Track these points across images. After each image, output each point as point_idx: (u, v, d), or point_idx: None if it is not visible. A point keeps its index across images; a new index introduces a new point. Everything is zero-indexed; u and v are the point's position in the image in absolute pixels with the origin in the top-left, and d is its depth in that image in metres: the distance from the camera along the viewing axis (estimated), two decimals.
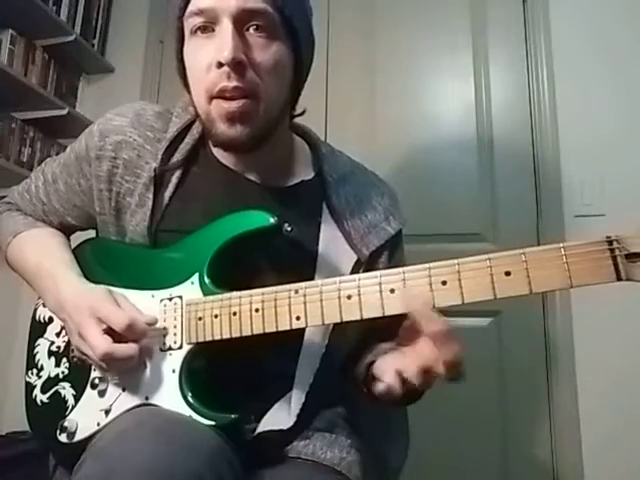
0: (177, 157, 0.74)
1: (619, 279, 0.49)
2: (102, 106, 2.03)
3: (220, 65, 0.63)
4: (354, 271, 0.74)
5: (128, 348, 0.61)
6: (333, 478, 0.66)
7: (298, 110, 0.78)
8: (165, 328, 0.66)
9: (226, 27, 0.63)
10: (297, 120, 0.81)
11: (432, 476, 1.50)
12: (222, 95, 0.65)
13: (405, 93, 1.82)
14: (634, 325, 1.48)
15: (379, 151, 1.75)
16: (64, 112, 1.87)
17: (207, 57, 0.65)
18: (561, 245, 0.50)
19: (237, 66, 0.63)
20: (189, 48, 0.68)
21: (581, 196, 1.58)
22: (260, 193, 0.75)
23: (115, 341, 0.61)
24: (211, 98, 0.66)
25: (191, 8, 0.65)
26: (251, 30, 0.65)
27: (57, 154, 2.14)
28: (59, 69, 2.00)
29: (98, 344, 0.60)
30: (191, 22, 0.66)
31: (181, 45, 0.70)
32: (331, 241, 0.75)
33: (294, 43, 0.69)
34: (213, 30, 0.65)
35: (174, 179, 0.74)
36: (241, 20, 0.64)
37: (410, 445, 0.83)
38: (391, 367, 0.60)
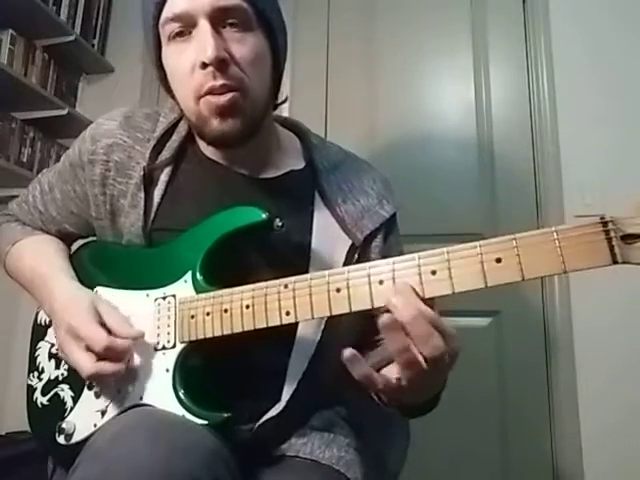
0: (165, 155, 0.75)
1: (615, 262, 0.46)
2: (102, 106, 2.03)
3: (204, 66, 0.63)
4: (349, 256, 0.74)
5: (113, 366, 0.61)
6: (331, 477, 0.66)
7: (279, 99, 0.79)
8: (159, 328, 0.66)
9: (204, 27, 0.64)
10: (292, 116, 0.81)
11: (432, 475, 1.50)
12: (210, 93, 0.65)
13: (405, 93, 1.82)
14: (634, 325, 1.48)
15: (379, 151, 1.75)
16: (64, 112, 1.87)
17: (188, 60, 0.65)
18: (553, 229, 0.48)
19: (221, 64, 0.63)
20: (168, 54, 0.68)
21: (581, 196, 1.58)
22: (250, 185, 0.75)
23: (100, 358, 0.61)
24: (199, 98, 0.66)
25: (166, 15, 0.65)
26: (227, 27, 0.65)
27: (57, 154, 2.14)
28: (59, 69, 2.00)
29: (83, 365, 0.61)
30: (167, 29, 0.66)
31: (159, 53, 0.70)
32: (324, 228, 0.75)
33: (269, 33, 0.69)
34: (190, 33, 0.65)
35: (164, 177, 0.74)
36: (217, 18, 0.64)
37: (410, 445, 0.83)
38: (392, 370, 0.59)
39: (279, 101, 0.78)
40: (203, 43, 0.63)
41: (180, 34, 0.66)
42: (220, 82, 0.64)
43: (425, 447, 1.35)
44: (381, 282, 0.54)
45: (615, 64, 1.62)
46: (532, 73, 1.71)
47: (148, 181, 0.73)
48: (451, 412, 1.55)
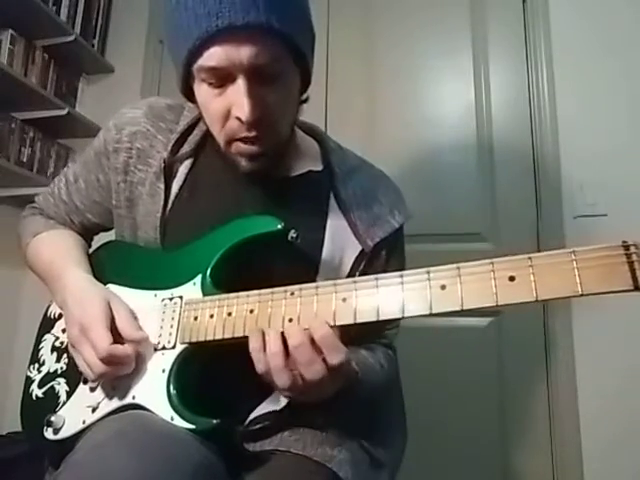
0: (186, 148, 0.76)
1: (637, 288, 0.44)
2: (102, 106, 2.03)
3: (240, 120, 0.63)
4: (357, 262, 0.75)
5: (118, 370, 0.63)
6: (321, 472, 0.66)
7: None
8: (162, 328, 0.66)
9: (241, 86, 0.62)
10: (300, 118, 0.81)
11: (430, 475, 1.50)
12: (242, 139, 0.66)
13: (405, 93, 1.82)
14: (635, 323, 1.48)
15: (379, 151, 1.74)
16: (64, 112, 1.86)
17: (222, 105, 0.64)
18: (572, 250, 0.47)
19: (257, 122, 0.63)
20: (201, 92, 0.67)
21: (581, 196, 1.58)
22: (267, 183, 0.75)
23: None
24: (230, 141, 0.67)
25: (201, 63, 0.62)
26: (264, 79, 0.63)
27: (57, 154, 2.14)
28: (59, 69, 2.00)
29: (91, 364, 0.62)
30: (201, 75, 0.64)
31: (187, 81, 0.68)
32: (337, 231, 0.75)
33: (302, 62, 0.68)
34: (226, 84, 0.63)
35: (183, 169, 0.76)
36: (254, 75, 0.62)
37: (408, 444, 0.83)
38: None
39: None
40: (240, 100, 0.62)
41: (214, 83, 0.64)
42: (254, 134, 0.65)
43: (424, 446, 1.35)
44: (388, 294, 0.54)
45: (615, 64, 1.62)
46: (532, 73, 1.71)
47: (168, 172, 0.75)
48: (451, 411, 1.56)
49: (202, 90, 0.66)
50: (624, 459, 1.43)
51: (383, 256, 0.78)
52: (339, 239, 0.75)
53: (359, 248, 0.75)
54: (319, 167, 0.80)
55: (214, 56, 0.60)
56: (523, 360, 1.57)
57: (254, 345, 0.57)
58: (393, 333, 0.84)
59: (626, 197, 1.53)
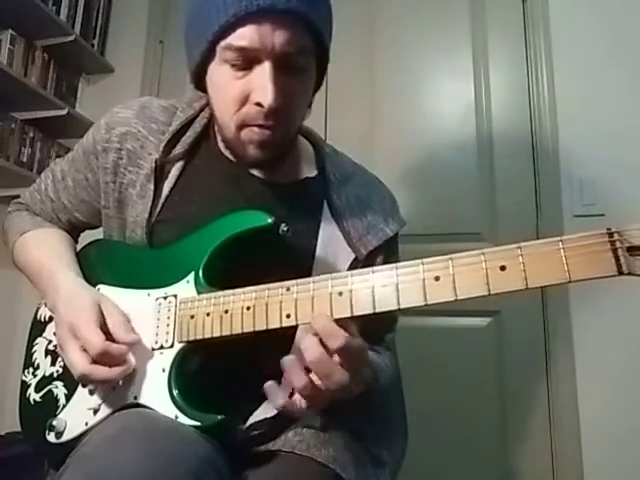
0: (178, 149, 0.75)
1: (620, 273, 0.46)
2: (102, 106, 2.01)
3: (260, 105, 0.63)
4: (350, 269, 0.74)
5: (106, 372, 0.60)
6: (326, 474, 0.66)
7: None
8: (158, 327, 0.66)
9: (267, 70, 0.61)
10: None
11: (431, 475, 1.50)
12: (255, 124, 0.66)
13: (405, 93, 1.82)
14: (634, 324, 1.48)
15: (379, 151, 1.75)
16: (64, 112, 1.87)
17: (241, 88, 0.64)
18: (559, 238, 0.48)
19: (276, 109, 0.63)
20: (218, 73, 0.66)
21: (581, 196, 1.58)
22: (261, 188, 0.75)
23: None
24: (242, 126, 0.66)
25: (229, 41, 0.61)
26: (289, 69, 0.64)
27: (57, 154, 2.14)
28: (59, 69, 2.00)
29: (75, 363, 0.60)
30: (227, 54, 0.63)
31: (205, 61, 0.67)
32: (330, 239, 0.75)
33: (322, 61, 0.69)
34: (250, 67, 0.63)
35: (175, 171, 0.74)
36: (282, 62, 0.62)
37: (409, 444, 0.83)
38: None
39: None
40: (264, 85, 0.61)
41: (238, 64, 0.63)
42: (270, 122, 0.65)
43: (424, 446, 1.35)
44: (384, 286, 0.54)
45: (615, 63, 1.62)
46: (532, 73, 1.71)
47: (159, 174, 0.73)
48: (450, 411, 1.56)
49: (222, 71, 0.65)
50: (625, 458, 1.43)
51: (377, 263, 0.77)
52: (331, 247, 0.75)
53: (352, 256, 0.75)
54: (313, 173, 0.80)
55: (246, 35, 0.60)
56: (523, 360, 1.57)
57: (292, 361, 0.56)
58: (391, 337, 0.84)
59: (624, 197, 1.52)
